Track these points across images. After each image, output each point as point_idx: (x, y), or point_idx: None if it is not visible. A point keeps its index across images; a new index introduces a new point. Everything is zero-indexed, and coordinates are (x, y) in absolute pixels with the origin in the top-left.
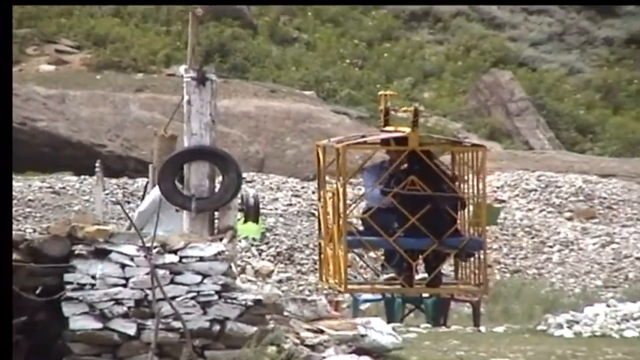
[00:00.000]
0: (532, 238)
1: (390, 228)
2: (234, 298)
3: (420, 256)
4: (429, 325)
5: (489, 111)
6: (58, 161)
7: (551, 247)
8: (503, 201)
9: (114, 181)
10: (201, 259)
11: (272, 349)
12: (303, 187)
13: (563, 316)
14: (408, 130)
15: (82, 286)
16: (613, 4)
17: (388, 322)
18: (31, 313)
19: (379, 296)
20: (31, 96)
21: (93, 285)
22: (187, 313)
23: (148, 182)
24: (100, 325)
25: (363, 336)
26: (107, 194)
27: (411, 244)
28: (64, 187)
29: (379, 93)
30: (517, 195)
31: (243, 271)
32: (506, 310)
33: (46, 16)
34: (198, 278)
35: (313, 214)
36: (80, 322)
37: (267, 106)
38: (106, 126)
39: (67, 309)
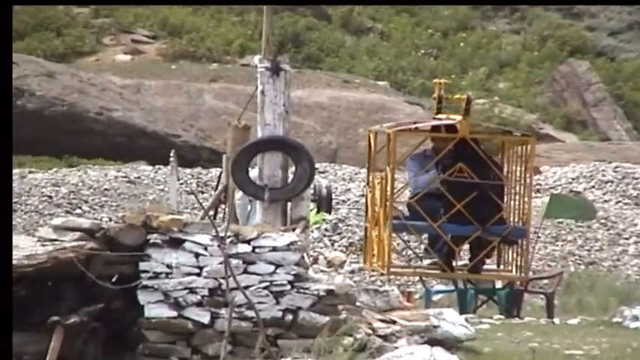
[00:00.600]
0: (608, 230)
1: (436, 214)
2: (307, 288)
3: (465, 243)
4: (502, 317)
5: (565, 101)
6: (134, 151)
7: (627, 239)
8: (579, 192)
9: (188, 170)
10: (274, 249)
11: (345, 339)
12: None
13: (639, 309)
14: (459, 117)
15: (157, 275)
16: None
17: (461, 314)
18: (107, 301)
19: (452, 287)
20: (107, 86)
21: (168, 274)
22: (260, 303)
23: (221, 172)
24: (174, 314)
25: (435, 327)
26: (181, 184)
27: (455, 230)
28: (139, 177)
29: (433, 81)
30: (593, 186)
31: (315, 261)
32: (581, 302)
33: (123, 6)
34: (271, 268)
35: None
36: (155, 310)
37: (340, 97)
38: (180, 116)
39: (142, 297)
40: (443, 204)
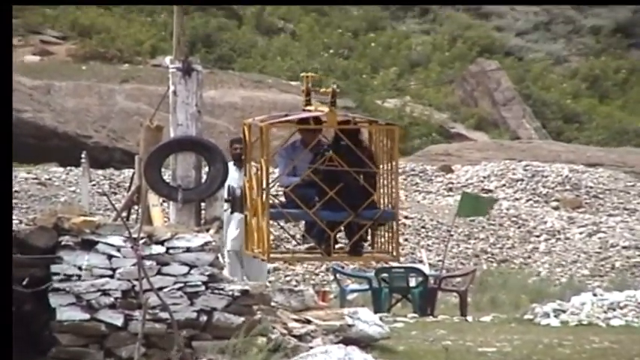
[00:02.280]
0: (519, 227)
1: (310, 201)
2: (221, 289)
3: (339, 227)
4: (416, 315)
5: (476, 100)
6: (44, 152)
7: (537, 236)
8: (490, 190)
9: (100, 172)
10: (188, 249)
11: (260, 339)
12: None
13: (550, 305)
14: (325, 109)
15: (68, 277)
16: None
17: (375, 312)
18: (18, 304)
19: (366, 286)
20: (17, 87)
21: (79, 276)
22: (174, 304)
23: (134, 173)
24: (87, 316)
25: (350, 326)
26: (93, 185)
27: (330, 216)
28: (50, 178)
29: (301, 74)
30: (504, 185)
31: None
32: (493, 299)
33: (31, 7)
34: (185, 269)
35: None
36: (67, 312)
37: (253, 97)
38: (91, 117)
39: (54, 300)
40: (317, 191)
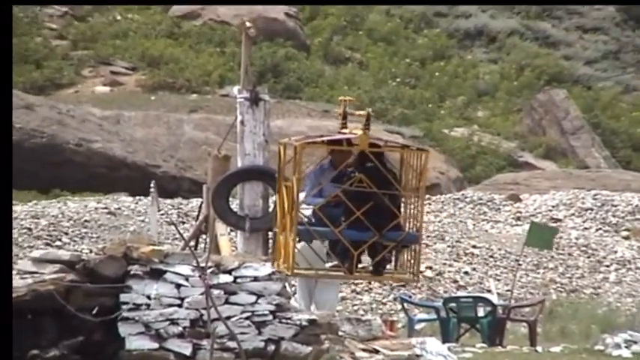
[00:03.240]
0: (588, 257)
1: (336, 220)
2: (289, 318)
3: (363, 247)
4: (484, 345)
5: (544, 129)
6: (114, 182)
7: (607, 266)
8: (559, 220)
9: (168, 201)
10: (256, 278)
11: None
12: None
13: (621, 336)
14: (359, 132)
15: (137, 306)
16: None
17: (443, 342)
18: (87, 334)
19: (434, 316)
20: (87, 117)
21: (148, 305)
22: (242, 333)
23: (202, 202)
24: (155, 345)
25: (418, 356)
26: (162, 215)
27: (355, 235)
28: (119, 208)
29: (339, 98)
30: (573, 214)
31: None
32: (563, 329)
33: (102, 38)
34: (253, 298)
35: None
36: (136, 342)
37: (320, 126)
38: (160, 147)
39: (123, 329)
40: (343, 211)
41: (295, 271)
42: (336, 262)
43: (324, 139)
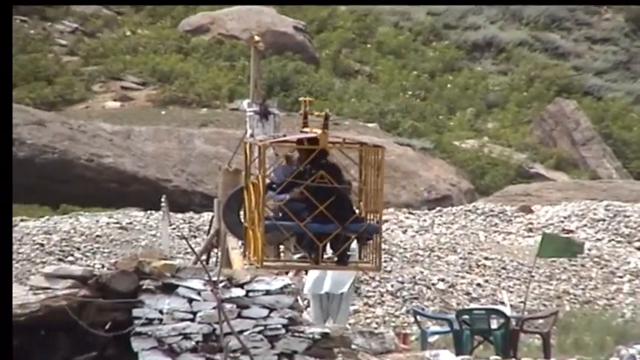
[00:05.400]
0: (601, 268)
1: (301, 214)
2: (302, 332)
3: (327, 239)
4: (498, 357)
5: (555, 140)
6: (125, 196)
7: (621, 277)
8: (571, 231)
9: (180, 215)
10: (268, 292)
11: None
12: None
13: (636, 347)
14: (319, 131)
15: (150, 321)
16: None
17: (457, 354)
18: (101, 349)
19: (447, 328)
20: (98, 132)
21: (161, 320)
22: (255, 347)
23: (213, 216)
24: None
25: None
26: (173, 229)
27: (319, 228)
28: (130, 223)
29: (300, 99)
30: (585, 225)
31: (308, 305)
32: (577, 341)
33: (112, 53)
34: (265, 312)
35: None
36: (150, 356)
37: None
38: (171, 161)
39: (136, 344)
40: (307, 206)
41: (265, 263)
42: (302, 254)
43: (285, 138)
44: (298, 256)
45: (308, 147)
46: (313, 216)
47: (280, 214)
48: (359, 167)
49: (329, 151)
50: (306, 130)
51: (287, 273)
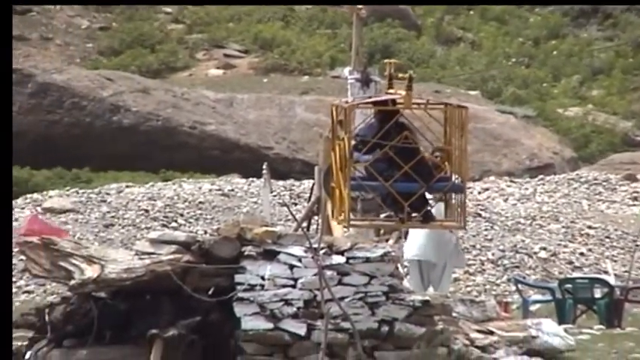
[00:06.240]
0: None
1: (384, 174)
2: (402, 299)
3: (412, 198)
4: (602, 327)
5: None
6: (227, 164)
7: None
8: None
9: (281, 183)
10: (368, 260)
11: (442, 350)
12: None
13: None
14: (403, 93)
15: (252, 287)
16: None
17: (559, 324)
18: (204, 314)
19: (549, 297)
20: (201, 100)
21: (263, 286)
22: (355, 314)
23: (314, 184)
24: (270, 326)
25: (534, 337)
26: (274, 196)
27: (405, 187)
28: (232, 190)
29: (385, 61)
30: None
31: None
32: None
33: (216, 22)
34: (365, 279)
35: (479, 215)
36: (252, 322)
37: None
38: (272, 129)
39: (238, 309)
40: (389, 165)
41: (351, 222)
42: (388, 213)
43: (372, 100)
44: (385, 215)
45: (389, 108)
46: (399, 175)
47: (366, 174)
48: (444, 128)
49: (403, 113)
50: (391, 91)
51: (387, 240)
